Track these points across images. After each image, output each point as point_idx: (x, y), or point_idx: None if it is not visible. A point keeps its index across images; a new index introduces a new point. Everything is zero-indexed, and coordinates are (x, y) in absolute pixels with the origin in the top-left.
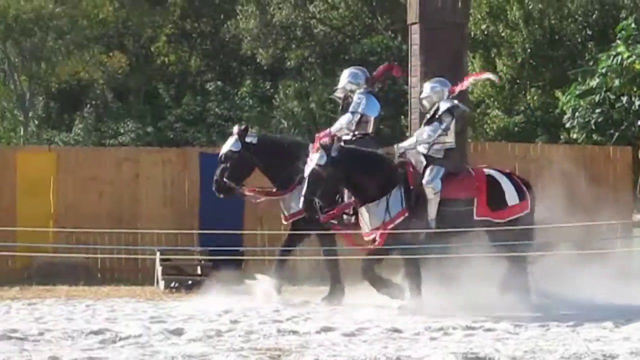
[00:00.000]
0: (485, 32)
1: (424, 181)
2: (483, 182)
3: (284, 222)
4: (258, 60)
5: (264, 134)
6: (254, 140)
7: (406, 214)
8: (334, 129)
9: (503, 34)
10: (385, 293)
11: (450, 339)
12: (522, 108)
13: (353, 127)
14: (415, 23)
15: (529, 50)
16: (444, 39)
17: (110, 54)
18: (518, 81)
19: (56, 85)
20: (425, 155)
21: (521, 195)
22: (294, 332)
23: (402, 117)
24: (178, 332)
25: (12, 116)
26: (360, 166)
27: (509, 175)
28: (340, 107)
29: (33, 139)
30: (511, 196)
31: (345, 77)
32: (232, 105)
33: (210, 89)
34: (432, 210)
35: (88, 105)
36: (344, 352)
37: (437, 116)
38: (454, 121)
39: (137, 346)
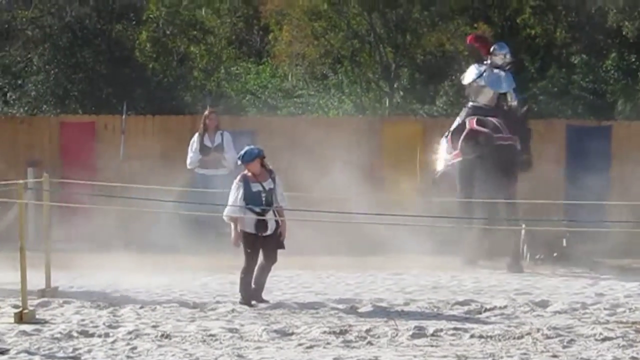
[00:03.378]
0: None
1: None
2: None
3: None
4: (624, 33)
5: None
6: None
7: None
8: None
9: None
10: None
11: None
12: None
13: None
14: None
15: None
16: None
17: (475, 25)
18: None
19: (421, 57)
20: None
21: None
22: None
23: None
24: (543, 304)
25: (378, 87)
26: None
27: None
28: None
29: (398, 110)
30: None
31: None
32: (597, 78)
33: (575, 61)
34: None
35: (452, 77)
36: None
37: None
38: None
39: (503, 317)
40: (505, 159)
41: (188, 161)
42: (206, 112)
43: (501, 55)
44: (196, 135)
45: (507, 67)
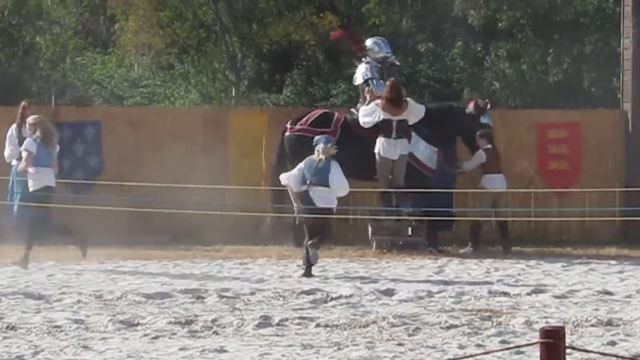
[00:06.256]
0: None
1: None
2: None
3: None
4: (469, 22)
5: None
6: None
7: None
8: None
9: None
10: None
11: None
12: None
13: None
14: None
15: None
16: None
17: (321, 15)
18: None
19: (267, 47)
20: None
21: None
22: (505, 294)
23: (615, 79)
24: (389, 293)
25: (224, 77)
26: None
27: None
28: None
29: (244, 99)
30: None
31: None
32: (443, 67)
33: (421, 50)
34: None
35: (298, 67)
36: (555, 314)
37: None
38: None
39: (349, 306)
40: (284, 148)
41: (6, 154)
42: (23, 103)
43: (374, 52)
44: (13, 127)
45: (388, 65)
